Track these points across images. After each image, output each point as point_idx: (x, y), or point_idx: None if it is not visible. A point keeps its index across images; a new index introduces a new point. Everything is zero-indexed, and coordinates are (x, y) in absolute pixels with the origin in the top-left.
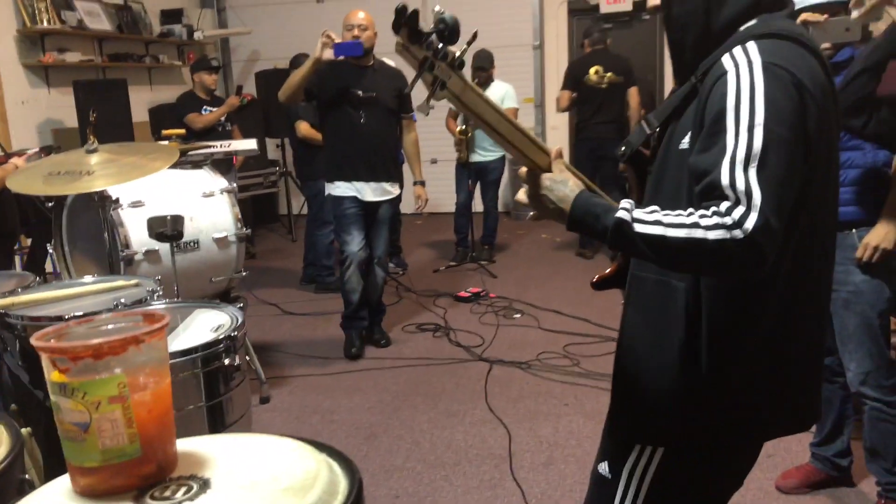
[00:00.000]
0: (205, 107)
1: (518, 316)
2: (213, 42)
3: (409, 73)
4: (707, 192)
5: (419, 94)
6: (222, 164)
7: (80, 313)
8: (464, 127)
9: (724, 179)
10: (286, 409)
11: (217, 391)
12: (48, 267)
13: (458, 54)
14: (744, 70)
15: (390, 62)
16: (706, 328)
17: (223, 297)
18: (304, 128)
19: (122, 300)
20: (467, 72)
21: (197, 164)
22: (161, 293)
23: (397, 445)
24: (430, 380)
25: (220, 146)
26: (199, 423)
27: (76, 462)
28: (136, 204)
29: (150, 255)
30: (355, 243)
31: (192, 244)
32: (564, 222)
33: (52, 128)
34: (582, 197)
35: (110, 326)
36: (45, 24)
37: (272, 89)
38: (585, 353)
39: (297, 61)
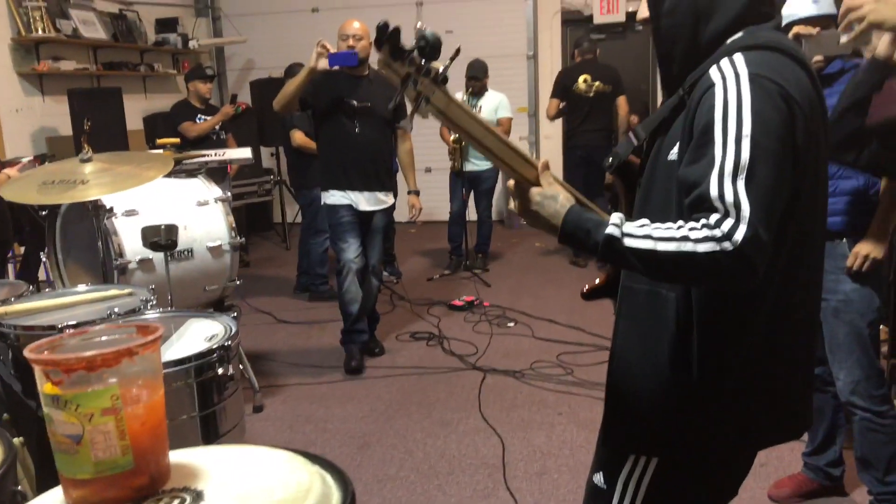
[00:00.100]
0: (199, 115)
1: (512, 325)
2: (208, 51)
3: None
4: (696, 205)
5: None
6: (217, 173)
7: (74, 323)
8: (457, 136)
9: (713, 191)
10: (279, 417)
11: (210, 401)
12: (41, 275)
13: (441, 70)
14: (731, 82)
15: None
16: (697, 338)
17: (217, 305)
18: (298, 137)
19: (116, 309)
20: (459, 84)
21: (191, 173)
22: (155, 302)
23: (391, 455)
24: (423, 389)
25: (215, 155)
26: (193, 432)
27: (69, 474)
28: (130, 213)
29: (144, 263)
30: (352, 251)
31: (185, 253)
32: (556, 235)
33: (46, 136)
34: (573, 212)
35: (104, 338)
36: (40, 32)
37: (267, 98)
38: (579, 363)
39: (291, 70)
